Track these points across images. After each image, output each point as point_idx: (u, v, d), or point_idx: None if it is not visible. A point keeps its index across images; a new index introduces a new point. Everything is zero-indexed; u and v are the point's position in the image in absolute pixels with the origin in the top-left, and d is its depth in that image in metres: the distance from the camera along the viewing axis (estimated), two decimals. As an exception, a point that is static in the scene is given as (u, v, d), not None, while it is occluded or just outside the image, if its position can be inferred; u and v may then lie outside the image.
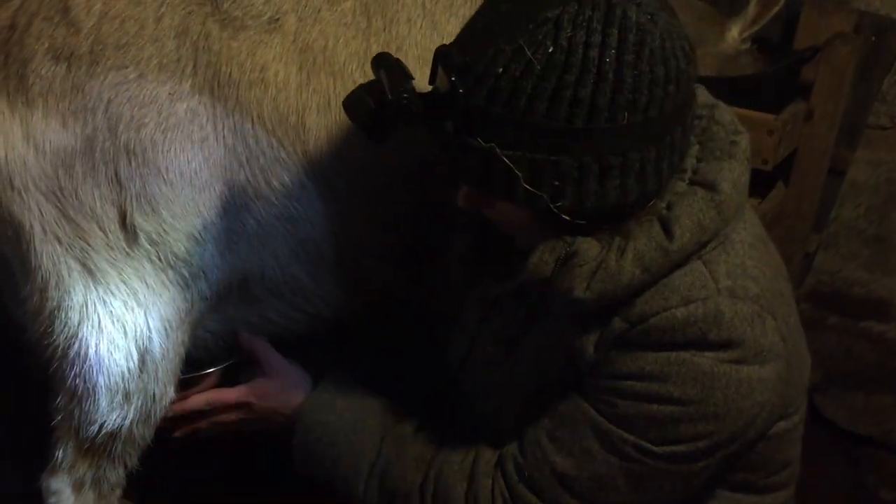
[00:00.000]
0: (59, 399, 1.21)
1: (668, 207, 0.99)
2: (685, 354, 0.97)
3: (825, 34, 1.77)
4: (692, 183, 1.01)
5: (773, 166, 1.65)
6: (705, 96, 1.13)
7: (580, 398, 1.04)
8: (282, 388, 1.25)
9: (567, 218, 0.93)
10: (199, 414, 1.28)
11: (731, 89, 1.59)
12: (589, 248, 0.97)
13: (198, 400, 1.27)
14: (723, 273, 0.99)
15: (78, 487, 1.26)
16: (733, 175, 1.01)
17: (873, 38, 1.88)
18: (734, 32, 1.72)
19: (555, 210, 0.92)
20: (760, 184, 1.70)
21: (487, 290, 1.17)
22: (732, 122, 1.08)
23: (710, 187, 0.99)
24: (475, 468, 1.09)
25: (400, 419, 1.17)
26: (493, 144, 0.89)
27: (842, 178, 2.11)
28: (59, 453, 1.23)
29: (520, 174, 0.90)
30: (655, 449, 1.00)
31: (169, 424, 1.29)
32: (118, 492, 1.31)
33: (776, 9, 1.69)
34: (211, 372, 1.30)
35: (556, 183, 0.91)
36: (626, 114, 0.88)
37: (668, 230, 0.97)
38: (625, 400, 1.00)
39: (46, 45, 1.09)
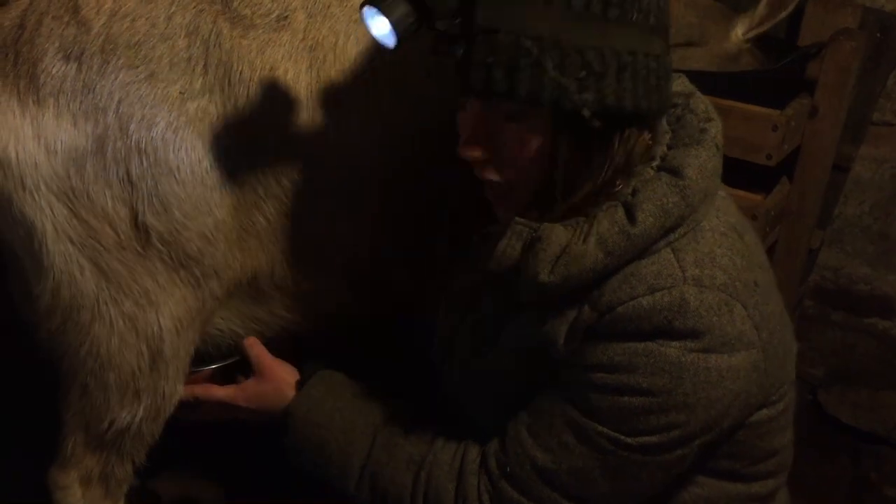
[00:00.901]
0: (69, 395, 1.22)
1: (633, 193, 1.00)
2: (652, 345, 0.98)
3: (830, 30, 1.77)
4: (659, 170, 1.03)
5: (777, 162, 1.65)
6: (683, 84, 1.15)
7: (556, 392, 1.05)
8: (272, 389, 1.24)
9: (587, 116, 0.93)
10: (189, 406, 1.29)
11: (734, 85, 1.60)
12: (553, 232, 0.99)
13: (186, 392, 1.28)
14: (690, 262, 1.00)
15: (86, 482, 1.27)
16: (699, 160, 1.02)
17: (878, 35, 1.88)
18: (738, 31, 1.72)
19: (579, 102, 0.92)
20: (764, 180, 1.71)
21: (461, 284, 1.18)
22: (706, 111, 1.10)
23: (675, 173, 1.01)
24: (463, 467, 1.10)
25: (390, 419, 1.17)
26: (518, 33, 0.91)
27: (846, 174, 2.11)
28: (68, 448, 1.24)
29: (549, 62, 0.91)
30: (629, 440, 1.01)
31: None
32: (125, 487, 1.32)
33: (784, 13, 1.69)
34: (210, 369, 1.31)
35: (582, 73, 0.92)
36: (634, 12, 0.93)
37: (631, 215, 0.99)
38: (596, 392, 1.01)
39: (57, 44, 1.09)
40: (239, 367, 1.30)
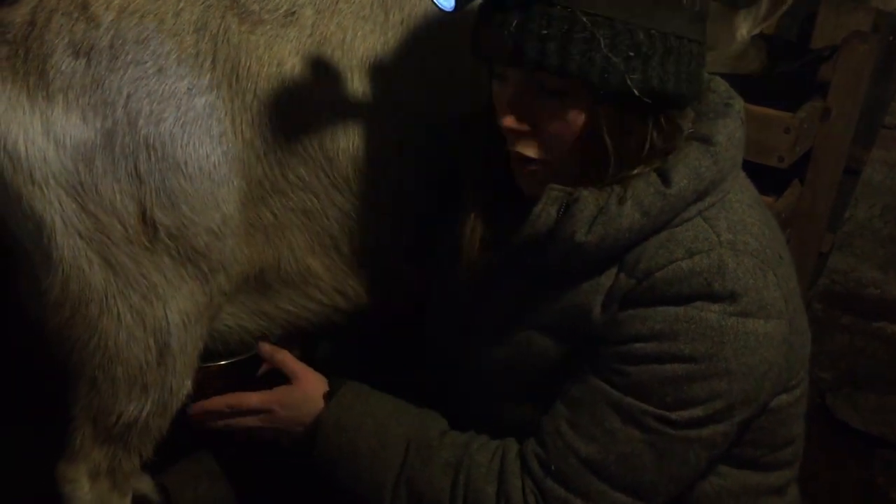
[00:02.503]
0: (77, 389, 1.22)
1: (665, 160, 1.03)
2: (692, 310, 0.99)
3: (842, 33, 1.76)
4: (688, 139, 1.05)
5: (789, 164, 1.64)
6: None
7: (592, 376, 1.04)
8: (304, 397, 1.22)
9: (637, 93, 0.95)
10: (218, 414, 1.27)
11: (746, 87, 1.59)
12: (589, 195, 1.01)
13: (218, 402, 1.26)
14: (724, 227, 1.02)
15: (93, 476, 1.27)
16: (728, 130, 1.05)
17: (891, 38, 1.88)
18: (743, 30, 1.72)
19: (627, 82, 0.94)
20: (776, 182, 1.70)
21: (470, 270, 1.15)
22: (727, 91, 1.13)
23: (705, 140, 1.04)
24: (503, 468, 1.08)
25: (422, 424, 1.15)
26: (574, 8, 0.93)
27: (857, 177, 2.10)
28: (77, 442, 1.25)
29: (601, 37, 0.93)
30: (674, 416, 1.01)
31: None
32: (132, 481, 1.32)
33: (784, 7, 1.69)
34: (219, 365, 1.31)
35: (631, 53, 0.94)
36: None
37: (665, 178, 1.01)
38: (637, 365, 1.01)
39: (66, 40, 1.10)
40: (250, 365, 1.31)
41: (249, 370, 1.30)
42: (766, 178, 1.64)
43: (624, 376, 1.02)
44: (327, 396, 1.21)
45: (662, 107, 1.00)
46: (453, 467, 1.09)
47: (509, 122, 1.01)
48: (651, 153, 1.02)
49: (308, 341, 1.42)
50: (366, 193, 1.26)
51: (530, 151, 1.03)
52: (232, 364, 1.31)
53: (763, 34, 1.76)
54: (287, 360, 1.26)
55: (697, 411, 1.01)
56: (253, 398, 1.25)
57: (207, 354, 1.30)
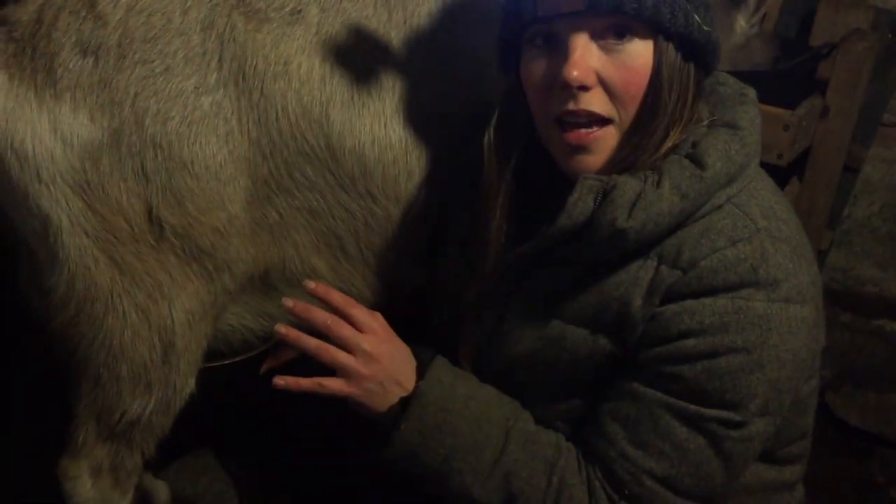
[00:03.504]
0: (81, 386, 1.23)
1: (693, 146, 1.04)
2: (739, 301, 0.99)
3: (841, 31, 1.77)
4: (712, 126, 1.07)
5: (788, 162, 1.65)
6: None
7: (646, 388, 1.03)
8: (408, 358, 1.10)
9: (699, 33, 1.00)
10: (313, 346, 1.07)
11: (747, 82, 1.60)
12: (626, 182, 1.01)
13: (322, 315, 1.07)
14: (758, 214, 1.04)
15: (95, 473, 1.28)
16: (749, 115, 1.08)
17: (890, 35, 1.88)
18: (741, 22, 1.73)
19: (697, 19, 0.99)
20: (775, 179, 1.70)
21: (516, 258, 1.12)
22: (737, 83, 1.15)
23: (731, 125, 1.06)
24: (590, 485, 1.06)
25: (518, 413, 1.11)
26: None
27: (856, 175, 2.11)
28: (79, 439, 1.25)
29: None
30: (736, 416, 1.00)
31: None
32: (134, 479, 1.33)
33: None
34: (224, 364, 1.31)
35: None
36: None
37: (699, 162, 1.02)
38: (690, 363, 1.00)
39: (74, 38, 1.10)
40: (255, 362, 1.31)
41: (256, 367, 1.31)
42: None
43: (680, 380, 1.01)
44: (418, 370, 1.10)
45: (703, 58, 1.04)
46: (550, 465, 1.07)
47: (576, 75, 0.98)
48: (690, 113, 1.04)
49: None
50: (372, 193, 1.26)
51: (597, 106, 1.01)
52: (237, 362, 1.32)
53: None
54: (362, 312, 1.10)
55: (756, 403, 1.01)
56: (362, 311, 1.09)
57: (209, 354, 1.30)
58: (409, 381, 1.09)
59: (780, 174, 1.70)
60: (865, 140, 2.03)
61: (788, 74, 1.73)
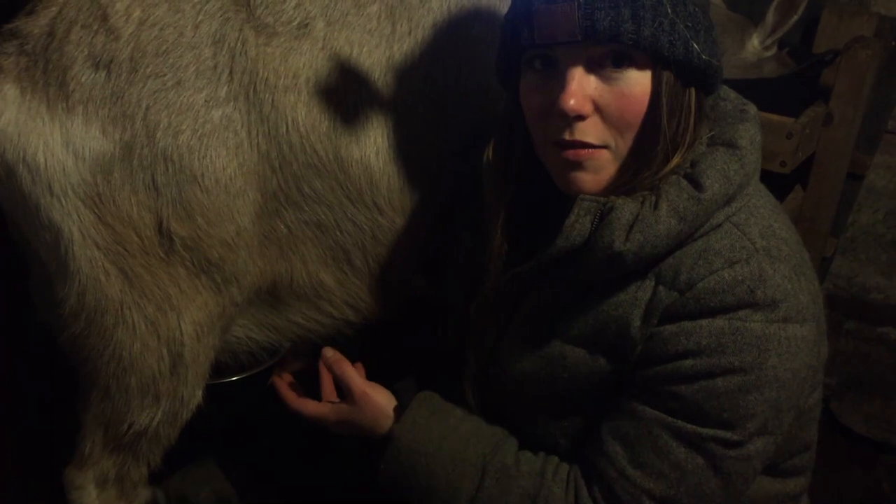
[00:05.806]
0: (90, 397, 1.23)
1: (692, 166, 1.03)
2: (736, 322, 0.99)
3: (845, 38, 1.77)
4: (711, 145, 1.06)
5: (792, 169, 1.65)
6: None
7: (645, 407, 1.03)
8: (368, 419, 1.19)
9: (698, 60, 0.98)
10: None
11: (748, 92, 1.61)
12: (623, 203, 1.01)
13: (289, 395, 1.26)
14: (756, 234, 1.03)
15: (101, 483, 1.28)
16: (749, 133, 1.06)
17: (893, 43, 1.89)
18: (755, 41, 1.73)
19: (696, 50, 0.97)
20: (778, 187, 1.70)
21: (499, 283, 1.14)
22: (738, 97, 1.14)
23: (730, 144, 1.05)
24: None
25: (496, 447, 1.12)
26: None
27: (860, 182, 2.11)
28: (86, 449, 1.25)
29: (667, 3, 0.96)
30: (734, 436, 1.00)
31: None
32: (139, 489, 1.33)
33: (794, 18, 1.70)
34: (231, 381, 1.31)
35: (689, 23, 0.98)
36: None
37: (696, 183, 1.01)
38: (687, 383, 1.00)
39: (86, 52, 1.10)
40: (264, 377, 1.31)
41: (265, 381, 1.31)
42: (768, 183, 1.64)
43: (678, 399, 1.01)
44: (397, 411, 1.18)
45: (704, 83, 1.02)
46: (531, 499, 1.07)
47: (573, 104, 0.97)
48: (693, 136, 1.03)
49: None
50: (378, 205, 1.27)
51: (591, 137, 1.00)
52: (245, 378, 1.32)
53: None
54: (351, 376, 1.22)
55: (755, 423, 1.01)
56: (311, 407, 1.24)
57: (216, 369, 1.30)
58: (381, 428, 1.18)
59: (784, 182, 1.70)
60: (869, 147, 2.04)
61: (791, 82, 1.73)
